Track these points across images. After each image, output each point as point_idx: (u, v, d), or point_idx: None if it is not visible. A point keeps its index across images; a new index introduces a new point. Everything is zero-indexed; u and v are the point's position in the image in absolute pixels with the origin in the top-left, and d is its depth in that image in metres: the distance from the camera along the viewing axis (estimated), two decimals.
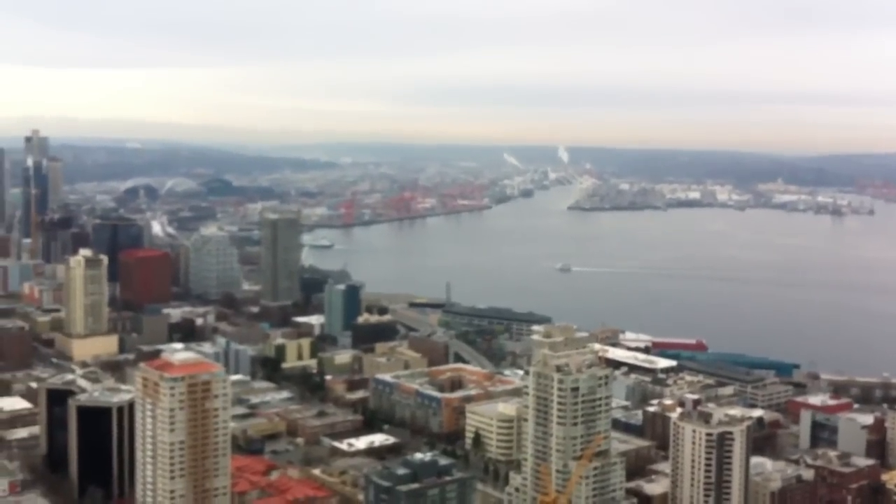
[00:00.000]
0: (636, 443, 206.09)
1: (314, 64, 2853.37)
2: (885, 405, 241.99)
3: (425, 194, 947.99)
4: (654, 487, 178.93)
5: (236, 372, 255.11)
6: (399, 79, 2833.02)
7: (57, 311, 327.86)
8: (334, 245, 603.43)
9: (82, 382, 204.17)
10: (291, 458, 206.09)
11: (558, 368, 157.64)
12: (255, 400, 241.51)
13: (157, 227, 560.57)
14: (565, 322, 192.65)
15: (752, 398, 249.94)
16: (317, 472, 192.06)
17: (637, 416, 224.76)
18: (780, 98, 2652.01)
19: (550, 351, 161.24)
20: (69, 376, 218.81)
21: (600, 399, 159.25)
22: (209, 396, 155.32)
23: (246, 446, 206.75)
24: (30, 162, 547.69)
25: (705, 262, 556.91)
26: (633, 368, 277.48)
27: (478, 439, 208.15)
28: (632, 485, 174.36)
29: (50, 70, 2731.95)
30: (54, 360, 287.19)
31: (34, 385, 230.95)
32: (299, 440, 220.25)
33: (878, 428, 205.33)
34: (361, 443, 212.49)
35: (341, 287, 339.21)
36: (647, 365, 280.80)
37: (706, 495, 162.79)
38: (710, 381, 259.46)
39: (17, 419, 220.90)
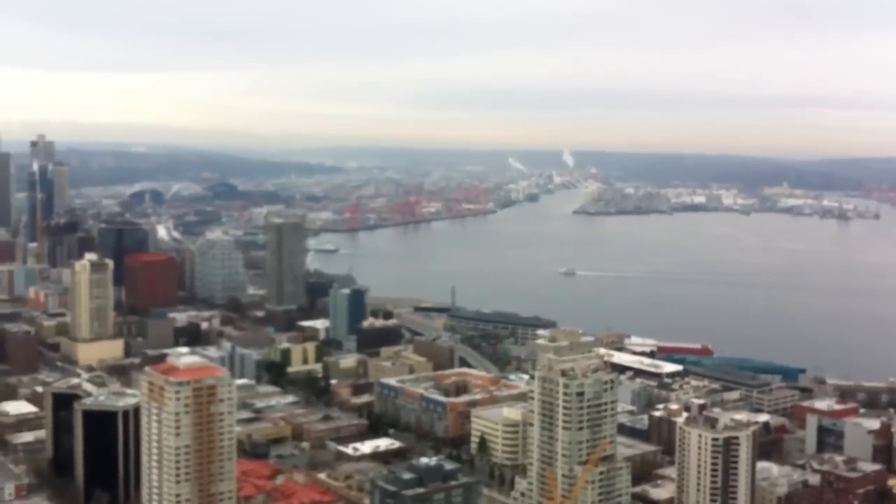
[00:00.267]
0: (642, 447, 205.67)
1: (318, 67, 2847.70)
2: (891, 410, 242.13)
3: (430, 198, 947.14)
4: (660, 492, 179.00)
5: (241, 376, 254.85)
6: (404, 82, 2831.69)
7: (62, 315, 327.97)
8: (339, 249, 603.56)
9: (88, 386, 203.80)
10: (297, 462, 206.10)
11: (564, 373, 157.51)
12: (260, 404, 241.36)
13: (162, 232, 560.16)
14: (570, 326, 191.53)
15: (757, 403, 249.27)
16: (322, 476, 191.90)
17: (643, 421, 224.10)
18: (785, 101, 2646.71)
19: (556, 355, 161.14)
20: (75, 380, 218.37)
21: (606, 403, 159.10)
22: (214, 400, 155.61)
23: (251, 450, 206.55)
24: (35, 166, 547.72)
25: (711, 267, 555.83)
26: (638, 373, 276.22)
27: (483, 444, 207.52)
28: (637, 489, 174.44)
29: (55, 74, 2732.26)
30: (60, 364, 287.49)
31: (40, 389, 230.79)
32: (304, 444, 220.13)
33: (885, 433, 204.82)
34: (367, 447, 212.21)
35: (346, 291, 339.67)
36: (652, 369, 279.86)
37: (712, 500, 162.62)
38: (716, 385, 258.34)
39: (22, 423, 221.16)
